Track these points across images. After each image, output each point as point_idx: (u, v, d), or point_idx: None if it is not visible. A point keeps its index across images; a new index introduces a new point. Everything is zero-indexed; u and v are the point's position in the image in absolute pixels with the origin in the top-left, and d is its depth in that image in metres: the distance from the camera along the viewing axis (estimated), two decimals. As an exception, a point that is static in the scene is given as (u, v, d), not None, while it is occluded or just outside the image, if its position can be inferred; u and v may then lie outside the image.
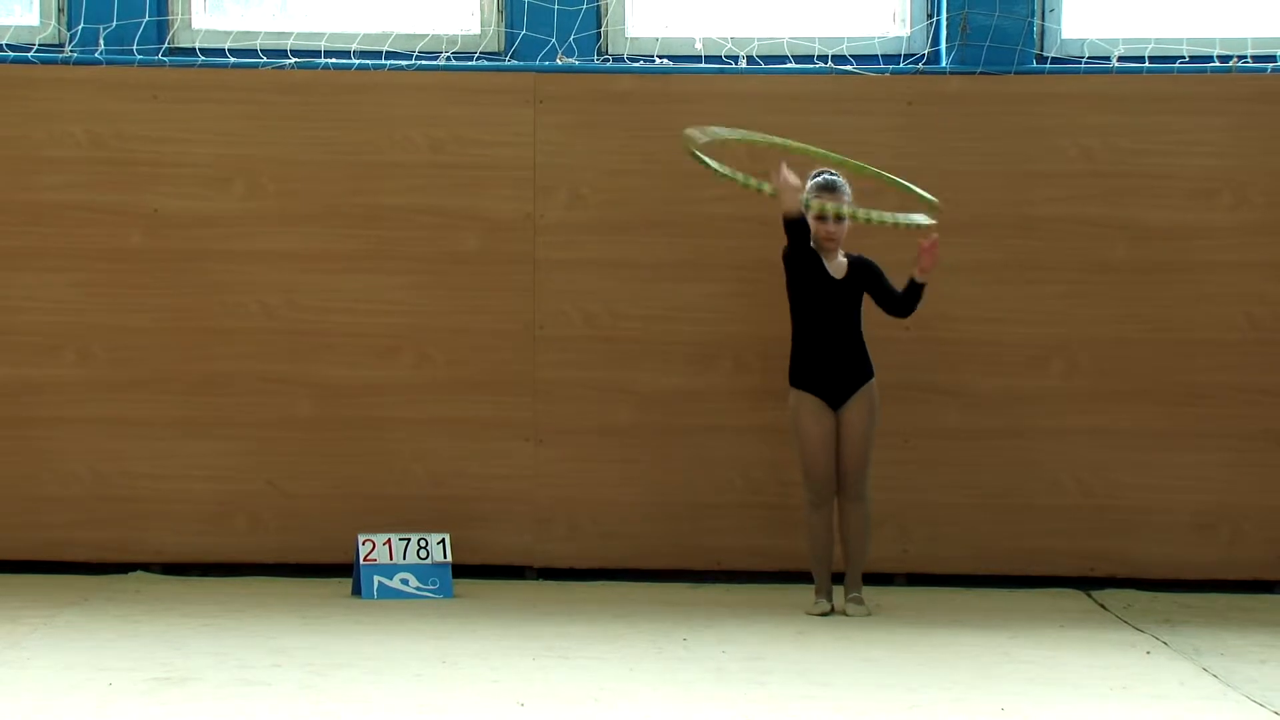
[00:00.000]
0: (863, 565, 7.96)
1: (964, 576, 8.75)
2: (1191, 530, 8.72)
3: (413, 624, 7.58)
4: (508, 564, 8.80)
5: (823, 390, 7.87)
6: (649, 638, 7.32)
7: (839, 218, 7.84)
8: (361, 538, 8.31)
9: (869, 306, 7.97)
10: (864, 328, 7.94)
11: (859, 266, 7.96)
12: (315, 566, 8.74)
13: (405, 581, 8.30)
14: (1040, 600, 8.43)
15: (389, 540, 8.32)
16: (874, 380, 7.93)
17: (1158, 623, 7.83)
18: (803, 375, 7.90)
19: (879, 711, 6.03)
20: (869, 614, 7.85)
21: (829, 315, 7.87)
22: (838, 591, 7.98)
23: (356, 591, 8.30)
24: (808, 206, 7.79)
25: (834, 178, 7.93)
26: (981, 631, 7.60)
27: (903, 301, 7.90)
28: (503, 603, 8.15)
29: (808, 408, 7.89)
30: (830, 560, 7.96)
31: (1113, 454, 8.72)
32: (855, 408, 7.86)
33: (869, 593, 8.11)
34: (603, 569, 8.79)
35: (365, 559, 8.28)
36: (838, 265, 7.92)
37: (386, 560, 8.30)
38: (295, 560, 8.78)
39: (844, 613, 7.89)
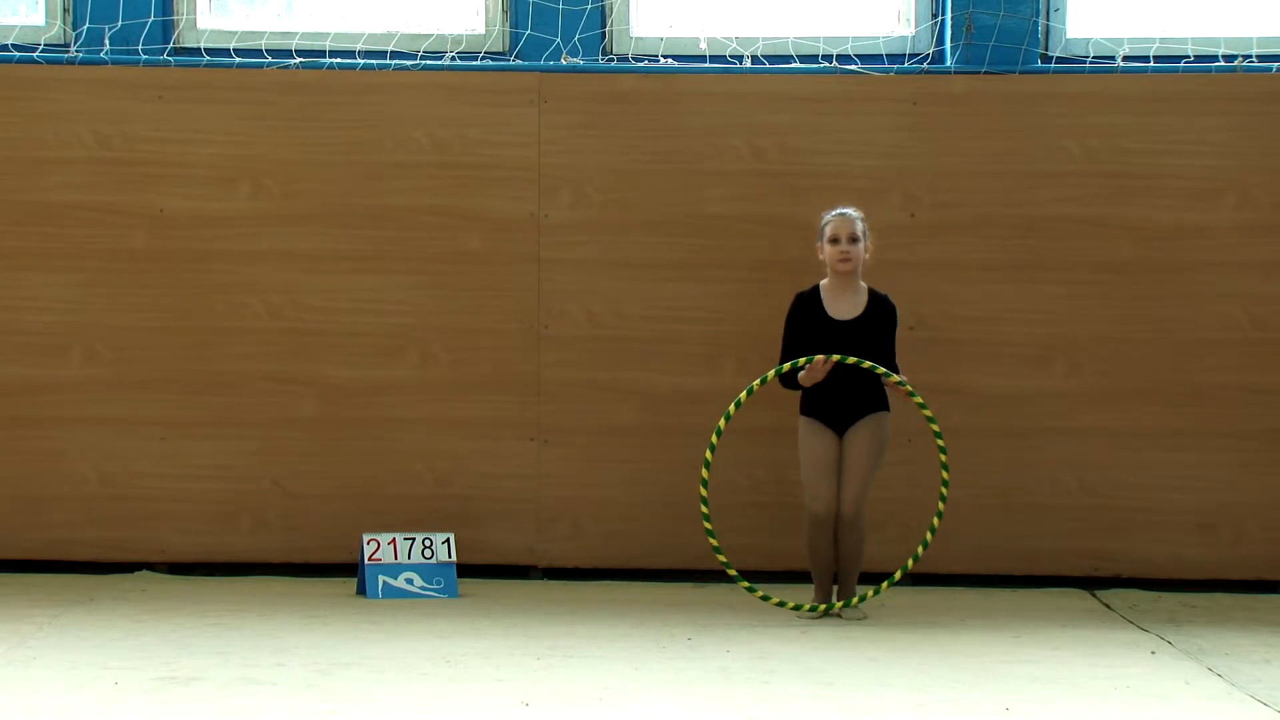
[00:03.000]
0: (854, 578, 7.94)
1: (968, 576, 8.76)
2: (1195, 530, 8.72)
3: (417, 623, 7.58)
4: (512, 564, 8.80)
5: (829, 419, 7.86)
6: (653, 637, 7.32)
7: (853, 239, 7.80)
8: (366, 537, 8.31)
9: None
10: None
11: (877, 308, 7.88)
12: (319, 566, 8.75)
13: (410, 581, 8.30)
14: (1044, 600, 8.42)
15: (394, 540, 8.33)
16: (888, 414, 7.90)
17: (1162, 622, 7.83)
18: (810, 405, 7.89)
19: (883, 711, 6.03)
20: (864, 617, 7.84)
21: (835, 352, 7.82)
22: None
23: (361, 591, 8.30)
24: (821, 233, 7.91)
25: (849, 210, 7.90)
26: (985, 631, 7.60)
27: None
28: (507, 602, 8.16)
29: (812, 429, 7.87)
30: (829, 572, 7.93)
31: (1116, 453, 8.72)
32: (860, 431, 7.82)
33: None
34: (607, 569, 8.80)
35: (370, 558, 8.29)
36: (851, 302, 7.86)
37: (391, 560, 8.31)
38: (299, 560, 8.79)
39: (838, 615, 7.88)
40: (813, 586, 7.99)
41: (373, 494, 8.77)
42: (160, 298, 8.79)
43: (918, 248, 8.69)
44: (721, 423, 7.82)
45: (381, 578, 8.28)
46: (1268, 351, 8.69)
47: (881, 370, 7.72)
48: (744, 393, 7.81)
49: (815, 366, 7.70)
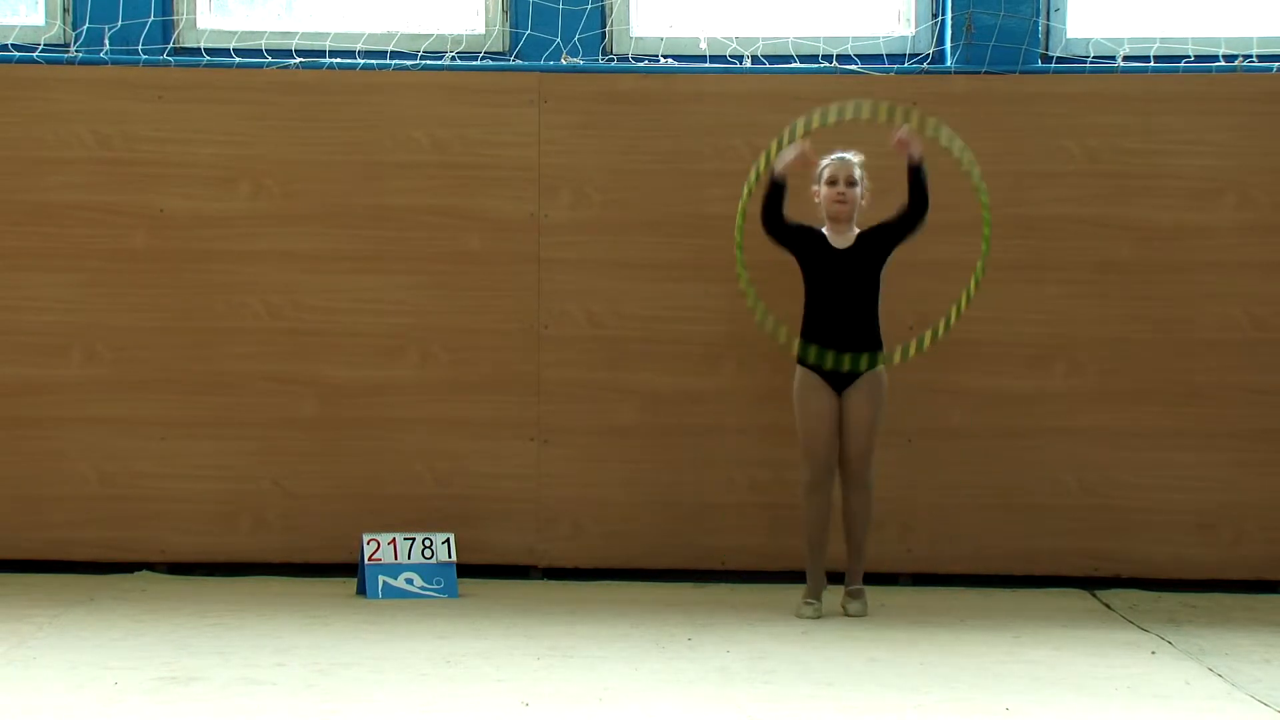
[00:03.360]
0: (863, 559, 7.92)
1: (968, 576, 8.74)
2: (1195, 530, 8.71)
3: (417, 624, 7.57)
4: (511, 564, 8.79)
5: (826, 373, 7.79)
6: (653, 637, 7.31)
7: (850, 183, 7.82)
8: (366, 537, 8.31)
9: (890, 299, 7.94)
10: (879, 314, 7.90)
11: (869, 233, 7.89)
12: (319, 566, 8.74)
13: (410, 581, 8.30)
14: (1044, 600, 8.41)
15: (394, 540, 8.32)
16: (882, 367, 7.88)
17: (1163, 622, 7.82)
18: (807, 347, 7.83)
19: (883, 711, 6.03)
20: (865, 613, 7.82)
21: (834, 286, 7.80)
22: (834, 592, 7.95)
23: (361, 591, 8.29)
24: (818, 178, 7.89)
25: (849, 154, 7.92)
26: (985, 631, 7.59)
27: (911, 196, 7.76)
28: (507, 602, 8.15)
29: (810, 385, 7.83)
30: (824, 551, 7.89)
31: (1116, 454, 8.71)
32: (859, 392, 7.81)
33: (871, 593, 8.09)
34: (606, 569, 8.79)
35: (370, 558, 8.28)
36: (847, 236, 7.87)
37: (391, 560, 8.30)
38: (299, 560, 8.78)
39: (842, 609, 7.86)
40: (807, 581, 7.96)
41: (373, 494, 8.76)
42: (160, 298, 8.78)
43: (918, 248, 8.62)
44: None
45: (381, 578, 8.28)
46: (1268, 351, 8.67)
47: (899, 119, 7.73)
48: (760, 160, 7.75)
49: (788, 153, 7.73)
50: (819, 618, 7.82)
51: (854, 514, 7.85)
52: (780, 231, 7.85)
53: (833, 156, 7.93)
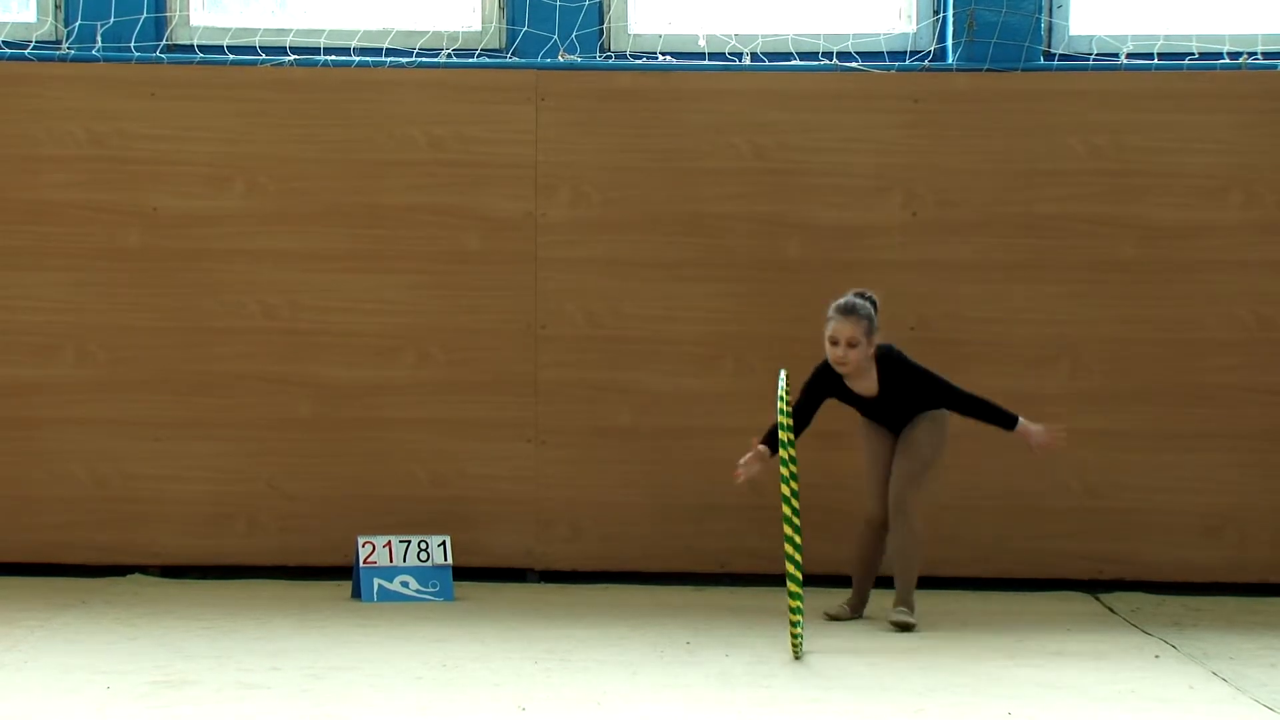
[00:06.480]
0: (909, 582, 7.70)
1: (970, 579, 8.70)
2: (1199, 532, 8.67)
3: (413, 627, 7.53)
4: (509, 566, 8.74)
5: (886, 421, 7.74)
6: (652, 641, 7.27)
7: (851, 344, 7.48)
8: (361, 540, 8.26)
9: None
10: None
11: (889, 374, 7.60)
12: (314, 568, 8.69)
13: (405, 584, 8.25)
14: (1047, 603, 8.37)
15: (389, 542, 8.27)
16: (946, 413, 7.71)
17: (1166, 626, 7.79)
18: None
19: (884, 715, 5.99)
20: (914, 628, 7.61)
21: (877, 417, 7.73)
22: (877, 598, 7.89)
23: (356, 594, 8.24)
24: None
25: (856, 300, 7.56)
26: (987, 635, 7.55)
27: (967, 411, 7.69)
28: (504, 605, 8.11)
29: (868, 428, 7.77)
30: (871, 578, 7.83)
31: (1120, 455, 8.67)
32: (914, 426, 7.66)
33: (873, 596, 8.01)
34: (605, 571, 8.74)
35: (365, 561, 8.23)
36: (866, 382, 7.64)
37: (386, 563, 8.25)
38: (294, 562, 8.73)
39: (890, 622, 7.67)
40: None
41: (368, 495, 8.71)
42: (154, 297, 8.74)
43: (920, 247, 8.64)
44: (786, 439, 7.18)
45: (376, 581, 8.22)
46: (1274, 352, 8.63)
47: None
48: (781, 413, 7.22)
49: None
50: (846, 619, 7.75)
51: (895, 541, 7.68)
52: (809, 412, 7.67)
53: (838, 308, 7.55)
